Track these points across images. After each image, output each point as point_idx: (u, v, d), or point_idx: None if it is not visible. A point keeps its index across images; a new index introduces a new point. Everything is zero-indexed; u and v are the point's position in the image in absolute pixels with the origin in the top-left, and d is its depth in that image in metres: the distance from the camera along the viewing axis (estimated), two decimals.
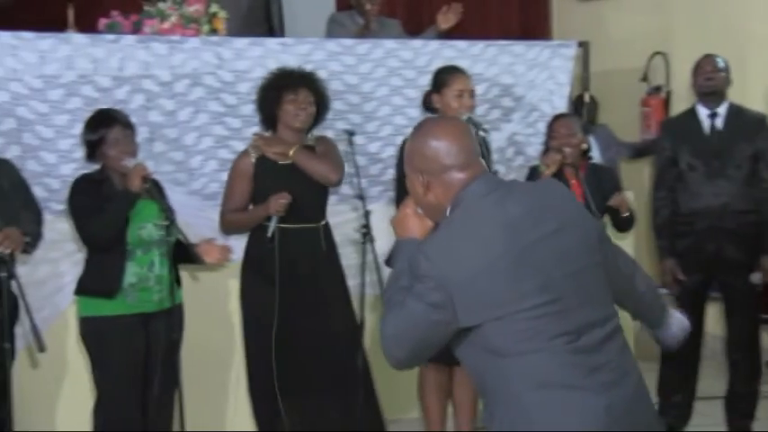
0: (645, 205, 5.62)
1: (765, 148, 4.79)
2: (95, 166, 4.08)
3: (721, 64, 4.89)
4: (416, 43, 5.47)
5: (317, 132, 4.60)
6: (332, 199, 4.69)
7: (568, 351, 2.27)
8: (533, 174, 4.68)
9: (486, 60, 5.43)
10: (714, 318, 5.22)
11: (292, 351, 4.28)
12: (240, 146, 4.62)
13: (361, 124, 5.16)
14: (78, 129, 4.49)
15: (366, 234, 4.31)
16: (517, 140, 5.54)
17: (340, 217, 4.90)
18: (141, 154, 4.14)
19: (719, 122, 4.84)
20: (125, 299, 3.98)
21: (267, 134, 4.43)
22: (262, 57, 4.93)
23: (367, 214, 4.32)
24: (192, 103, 4.87)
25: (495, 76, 5.46)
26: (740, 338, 4.87)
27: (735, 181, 4.75)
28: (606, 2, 7.54)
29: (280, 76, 4.41)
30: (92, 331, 4.01)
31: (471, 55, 5.40)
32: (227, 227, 4.45)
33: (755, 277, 4.77)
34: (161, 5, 5.02)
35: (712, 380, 5.25)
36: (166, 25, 4.97)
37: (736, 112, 4.86)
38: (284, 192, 4.23)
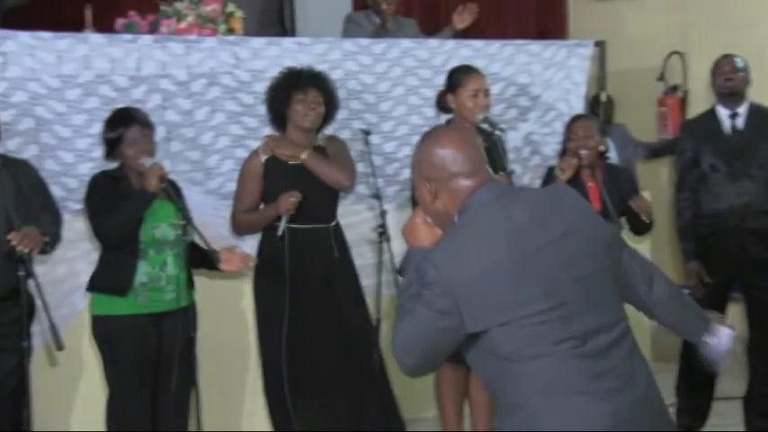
0: (662, 206, 5.60)
1: None
2: (114, 165, 4.09)
3: (740, 64, 4.87)
4: (433, 43, 5.46)
5: (330, 131, 4.61)
6: (348, 198, 4.70)
7: (574, 356, 2.28)
8: (549, 176, 4.65)
9: (502, 60, 5.43)
10: (734, 318, 5.20)
11: (303, 351, 4.28)
12: (257, 145, 4.62)
13: (378, 124, 5.16)
14: (96, 128, 4.52)
15: (382, 233, 4.32)
16: (533, 140, 5.53)
17: (356, 216, 4.91)
18: (158, 153, 4.14)
19: (740, 122, 4.82)
20: (136, 298, 3.99)
21: (278, 135, 4.43)
22: (278, 56, 4.93)
23: (383, 214, 4.32)
24: (208, 103, 4.88)
25: (512, 75, 5.45)
26: (760, 339, 4.84)
27: (757, 181, 4.73)
28: (623, 1, 7.52)
29: (289, 76, 4.41)
30: (103, 330, 4.02)
31: (488, 54, 5.39)
32: (239, 227, 4.46)
33: None
34: (178, 5, 5.03)
35: (731, 380, 5.23)
36: (183, 25, 4.99)
37: (756, 112, 4.84)
38: (293, 190, 4.23)
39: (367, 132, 4.56)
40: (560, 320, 2.29)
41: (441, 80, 4.73)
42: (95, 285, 4.05)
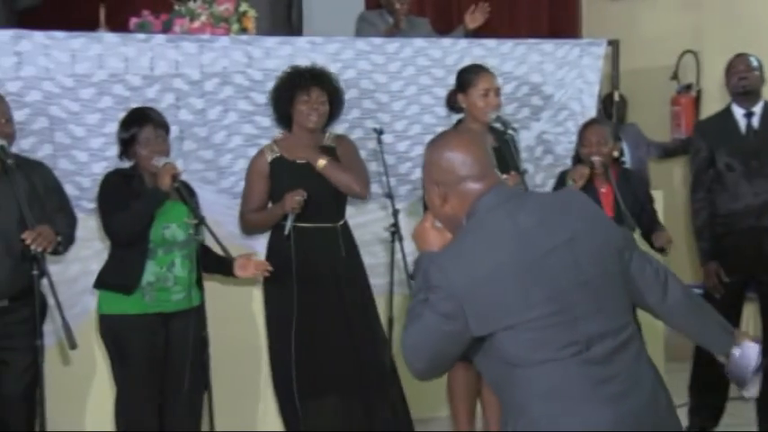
0: (676, 206, 5.59)
1: None
2: (127, 164, 4.11)
3: (754, 63, 4.86)
4: (446, 42, 5.46)
5: (342, 129, 4.61)
6: None
7: (577, 362, 2.29)
8: (561, 182, 4.63)
9: (515, 59, 5.42)
10: (749, 318, 5.19)
11: (312, 351, 4.29)
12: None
13: (390, 123, 5.16)
14: (109, 127, 4.54)
15: (395, 233, 4.31)
16: (546, 139, 5.52)
17: (369, 216, 4.92)
18: (171, 152, 4.15)
19: (756, 122, 4.82)
20: (143, 297, 4.00)
21: (286, 135, 4.43)
22: (291, 55, 4.94)
23: (396, 213, 4.32)
24: (221, 102, 4.89)
25: (525, 74, 5.44)
26: None
27: None
28: (636, 0, 7.50)
29: (291, 76, 4.41)
30: (110, 329, 4.04)
31: (500, 53, 5.39)
32: (247, 227, 4.46)
33: None
34: (191, 5, 5.04)
35: None
36: (196, 24, 5.00)
37: None
38: (301, 189, 4.23)
39: (380, 131, 4.56)
40: (563, 325, 2.29)
41: (453, 79, 4.72)
42: (103, 283, 4.07)
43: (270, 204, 4.41)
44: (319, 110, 4.35)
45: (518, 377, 2.31)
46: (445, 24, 6.93)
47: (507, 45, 5.44)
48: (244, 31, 5.11)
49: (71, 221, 3.99)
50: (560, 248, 2.34)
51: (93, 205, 4.27)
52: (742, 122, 4.83)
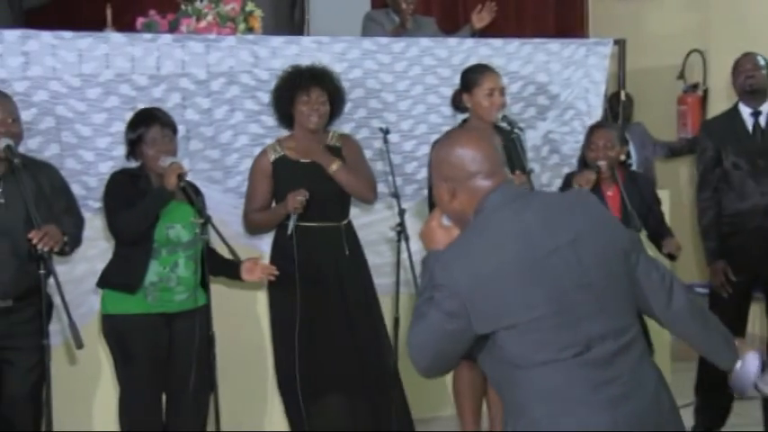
0: (682, 205, 5.59)
1: None
2: (134, 165, 4.12)
3: (762, 62, 4.85)
4: (452, 41, 5.46)
5: (348, 129, 4.61)
6: None
7: (577, 364, 2.29)
8: (568, 184, 4.62)
9: (521, 58, 5.42)
10: (755, 318, 5.18)
11: (315, 351, 4.29)
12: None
13: (396, 122, 5.16)
14: (116, 127, 4.55)
15: (401, 232, 4.32)
16: (552, 139, 5.52)
17: (375, 215, 4.92)
18: (177, 152, 4.15)
19: (763, 121, 4.81)
20: (145, 297, 4.00)
21: (289, 135, 4.43)
22: (297, 55, 4.94)
23: (402, 212, 4.32)
24: (227, 102, 4.89)
25: (531, 74, 5.44)
26: None
27: None
28: (643, 0, 7.50)
29: (291, 77, 4.41)
30: (114, 328, 4.04)
31: (507, 53, 5.39)
32: (251, 227, 4.47)
33: None
34: (197, 4, 5.05)
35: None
36: (203, 24, 5.01)
37: None
38: (303, 189, 4.24)
39: (386, 131, 4.56)
40: (564, 326, 2.30)
41: (459, 79, 4.72)
42: (106, 282, 4.09)
43: (274, 204, 4.42)
44: (320, 110, 4.35)
45: (519, 377, 2.32)
46: (451, 24, 6.94)
47: (513, 44, 5.44)
48: (250, 30, 5.12)
49: (78, 222, 3.99)
50: (564, 249, 2.34)
51: (99, 205, 4.29)
52: (749, 122, 4.83)
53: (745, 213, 4.76)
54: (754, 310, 5.07)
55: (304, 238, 4.29)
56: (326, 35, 5.30)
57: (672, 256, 4.56)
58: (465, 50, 5.31)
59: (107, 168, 4.50)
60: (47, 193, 3.87)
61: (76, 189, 4.34)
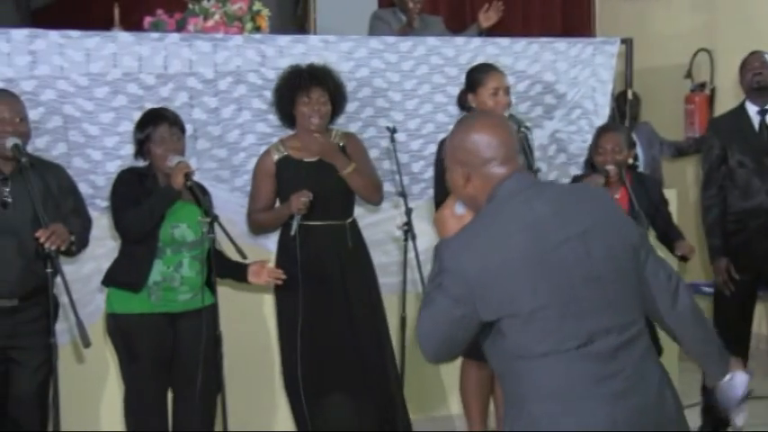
0: (689, 204, 5.58)
1: None
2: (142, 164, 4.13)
3: None
4: (459, 40, 5.46)
5: (355, 128, 4.61)
6: None
7: (579, 357, 2.30)
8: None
9: (528, 57, 5.42)
10: (761, 317, 5.17)
11: (317, 351, 4.30)
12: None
13: (403, 121, 5.16)
14: (123, 126, 4.56)
15: (408, 231, 4.32)
16: (559, 138, 5.52)
17: (381, 214, 4.93)
18: (185, 151, 4.16)
19: None
20: (149, 297, 4.01)
21: (330, 143, 4.43)
22: (304, 54, 4.94)
23: (409, 212, 4.33)
24: (235, 101, 4.90)
25: (538, 73, 5.44)
26: None
27: None
28: None
29: (290, 77, 4.42)
30: (118, 327, 4.05)
31: (514, 52, 5.38)
32: (254, 227, 4.47)
33: None
34: (205, 4, 5.06)
35: (759, 379, 5.19)
36: (210, 23, 5.01)
37: None
38: (307, 189, 4.23)
39: (393, 130, 4.57)
40: (569, 318, 2.30)
41: None
42: (111, 280, 4.10)
43: (278, 203, 4.42)
44: (321, 111, 4.35)
45: (521, 368, 2.33)
46: (458, 23, 6.93)
47: (520, 44, 5.44)
48: (257, 29, 5.12)
49: (86, 224, 4.00)
50: (573, 240, 2.35)
51: (106, 204, 4.29)
52: (755, 120, 4.83)
53: (750, 211, 4.76)
54: (760, 310, 5.06)
55: (308, 236, 4.29)
56: (333, 34, 5.29)
57: (684, 258, 4.57)
58: (472, 49, 5.31)
59: (114, 167, 4.50)
60: (54, 192, 3.87)
61: (84, 188, 4.35)
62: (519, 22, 7.50)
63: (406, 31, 5.93)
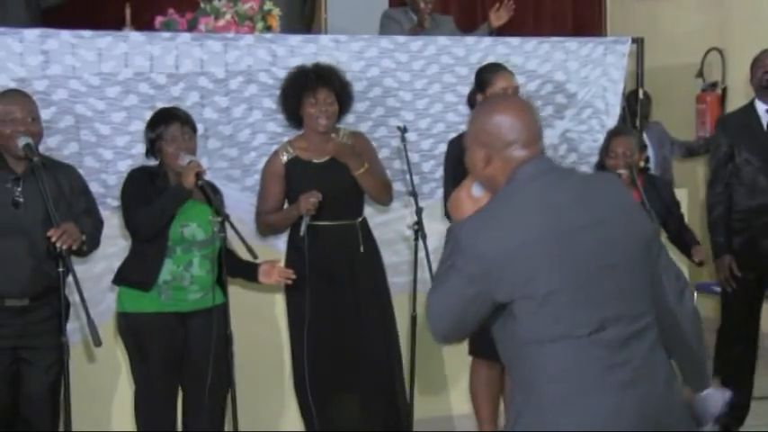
0: (699, 204, 5.56)
1: None
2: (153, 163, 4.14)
3: None
4: (469, 40, 5.46)
5: (366, 128, 4.60)
6: None
7: (590, 343, 2.30)
8: None
9: (539, 57, 5.41)
10: (766, 317, 5.17)
11: (325, 351, 4.30)
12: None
13: (414, 121, 5.16)
14: (135, 126, 4.57)
15: (418, 231, 4.32)
16: (570, 137, 5.51)
17: (391, 214, 4.93)
18: (196, 151, 4.17)
19: None
20: (159, 296, 4.02)
21: (348, 142, 4.43)
22: (315, 54, 4.95)
23: (419, 211, 4.33)
24: (245, 100, 4.90)
25: (548, 72, 5.43)
26: None
27: None
28: None
29: (297, 77, 4.42)
30: (129, 326, 4.06)
31: (524, 52, 5.38)
32: (263, 228, 4.48)
33: None
34: (216, 3, 5.07)
35: (766, 378, 5.19)
36: (221, 23, 5.02)
37: None
38: (316, 190, 4.24)
39: (403, 129, 4.57)
40: (581, 303, 2.31)
41: None
42: (121, 279, 4.11)
43: (286, 205, 4.43)
44: (328, 111, 4.36)
45: (532, 353, 2.33)
46: (469, 22, 6.94)
47: (531, 43, 5.43)
48: (268, 29, 5.13)
49: (97, 224, 4.01)
50: (591, 228, 2.35)
51: (118, 203, 4.29)
52: (764, 118, 4.82)
53: (755, 210, 4.76)
54: (766, 309, 5.05)
55: (318, 237, 4.30)
56: (344, 34, 5.30)
57: (702, 264, 4.61)
58: (482, 49, 5.31)
59: (125, 167, 4.51)
60: (66, 193, 3.88)
61: (95, 187, 4.36)
62: (530, 22, 7.50)
63: (417, 30, 5.93)
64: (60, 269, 3.60)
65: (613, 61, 5.58)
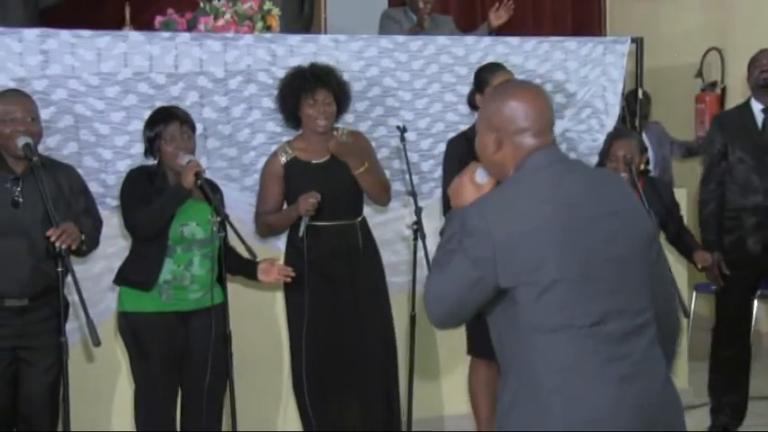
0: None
1: None
2: (152, 162, 4.14)
3: None
4: (469, 40, 5.46)
5: (365, 128, 4.59)
6: None
7: (591, 335, 2.30)
8: None
9: (538, 56, 5.41)
10: (766, 316, 5.17)
11: (323, 350, 4.31)
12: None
13: (413, 121, 5.15)
14: (134, 125, 4.57)
15: (417, 230, 4.32)
16: (569, 137, 5.51)
17: (391, 213, 4.93)
18: (195, 150, 4.17)
19: None
20: (160, 296, 4.02)
21: (348, 141, 4.43)
22: (315, 53, 4.95)
23: (419, 211, 4.33)
24: (245, 100, 4.90)
25: (548, 72, 5.43)
26: None
27: None
28: None
29: (294, 78, 4.42)
30: (129, 326, 4.06)
31: (524, 51, 5.38)
32: (262, 229, 4.48)
33: None
34: (215, 3, 5.07)
35: (764, 379, 5.19)
36: (220, 23, 5.02)
37: None
38: (315, 190, 4.24)
39: (403, 129, 4.57)
40: (585, 294, 2.30)
41: None
42: (122, 279, 4.11)
43: (285, 205, 4.43)
44: (326, 112, 4.36)
45: (530, 341, 2.31)
46: (469, 22, 6.94)
47: (530, 43, 5.43)
48: (268, 29, 5.13)
49: (96, 224, 4.01)
50: (600, 219, 2.36)
51: (117, 203, 4.30)
52: (759, 117, 4.83)
53: (747, 209, 4.77)
54: (766, 309, 5.06)
55: (317, 237, 4.30)
56: (344, 33, 5.30)
57: (704, 269, 4.63)
58: (482, 48, 5.31)
59: (125, 166, 4.51)
60: (66, 193, 3.88)
61: (94, 187, 4.36)
62: (529, 22, 7.50)
63: (417, 30, 5.93)
64: (59, 269, 3.60)
65: (613, 61, 5.57)
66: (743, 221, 4.78)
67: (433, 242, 4.28)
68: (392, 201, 4.69)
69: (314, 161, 4.40)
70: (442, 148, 4.90)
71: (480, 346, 4.24)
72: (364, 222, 4.48)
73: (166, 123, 4.04)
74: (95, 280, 4.47)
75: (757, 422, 4.97)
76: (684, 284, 5.32)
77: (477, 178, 2.52)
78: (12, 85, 4.31)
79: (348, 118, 4.73)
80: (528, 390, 2.33)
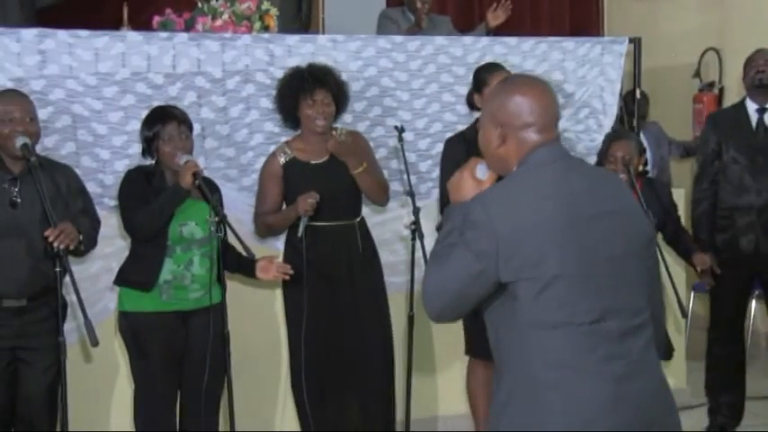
0: None
1: None
2: (150, 162, 4.13)
3: None
4: (467, 40, 5.46)
5: (363, 128, 4.58)
6: None
7: (590, 332, 2.30)
8: None
9: (536, 57, 5.41)
10: (763, 314, 5.17)
11: (321, 350, 4.31)
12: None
13: (411, 121, 5.16)
14: (132, 125, 4.57)
15: (415, 230, 4.32)
16: (567, 137, 5.50)
17: (389, 214, 4.93)
18: (193, 150, 4.17)
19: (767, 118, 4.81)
20: (160, 295, 4.02)
21: (347, 141, 4.43)
22: (313, 54, 4.95)
23: (417, 211, 4.33)
24: (243, 100, 4.90)
25: (546, 72, 5.42)
26: None
27: None
28: None
29: (293, 79, 4.42)
30: (130, 326, 4.06)
31: (522, 51, 5.38)
32: (261, 230, 4.48)
33: None
34: (213, 3, 5.07)
35: (762, 379, 5.19)
36: (218, 23, 5.02)
37: None
38: (314, 191, 4.24)
39: (401, 129, 4.57)
40: (585, 291, 2.31)
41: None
42: (122, 279, 4.11)
43: (284, 206, 4.43)
44: (325, 112, 4.36)
45: (529, 337, 2.31)
46: (467, 22, 6.95)
47: (528, 43, 5.43)
48: (266, 29, 5.13)
49: (94, 224, 4.00)
50: (603, 217, 2.36)
51: (115, 203, 4.30)
52: (753, 117, 4.83)
53: (740, 209, 4.77)
54: (762, 308, 5.07)
55: (316, 237, 4.30)
56: (341, 33, 5.30)
57: (703, 272, 4.63)
58: (480, 49, 5.31)
59: (122, 166, 4.51)
60: (63, 193, 3.88)
61: (92, 187, 4.36)
62: (527, 22, 7.51)
63: (415, 30, 5.94)
64: (57, 269, 3.60)
65: (611, 61, 5.58)
66: (736, 221, 4.78)
67: (431, 242, 4.28)
68: (390, 201, 4.69)
69: (313, 161, 4.40)
70: (439, 148, 4.89)
71: (478, 347, 4.24)
72: (363, 223, 4.48)
73: (164, 123, 4.04)
74: (93, 280, 4.47)
75: (755, 422, 4.97)
76: (682, 284, 5.32)
77: (478, 174, 2.52)
78: (9, 85, 4.31)
79: (346, 118, 4.74)
80: (525, 388, 2.33)
